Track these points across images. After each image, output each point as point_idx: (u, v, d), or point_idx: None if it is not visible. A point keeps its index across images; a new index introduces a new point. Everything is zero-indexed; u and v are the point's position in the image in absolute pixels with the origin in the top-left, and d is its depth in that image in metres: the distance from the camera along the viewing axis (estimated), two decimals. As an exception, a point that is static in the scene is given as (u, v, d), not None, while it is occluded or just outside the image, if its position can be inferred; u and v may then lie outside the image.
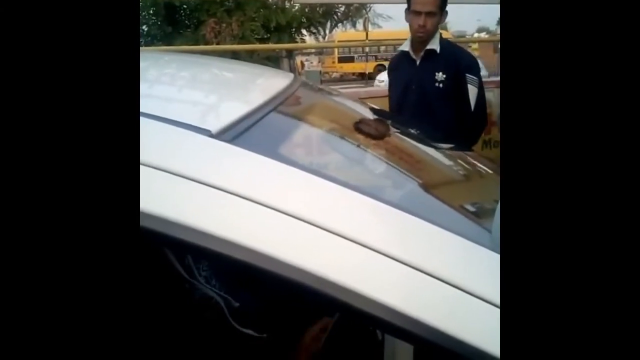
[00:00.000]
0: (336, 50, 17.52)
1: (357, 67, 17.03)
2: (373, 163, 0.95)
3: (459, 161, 1.28)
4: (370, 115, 1.33)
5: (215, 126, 0.60)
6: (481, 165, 1.27)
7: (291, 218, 0.52)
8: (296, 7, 8.50)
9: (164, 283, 0.94)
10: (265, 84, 1.10)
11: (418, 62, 2.07)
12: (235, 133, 0.61)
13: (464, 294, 0.51)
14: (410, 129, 1.46)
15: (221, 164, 0.56)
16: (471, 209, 0.88)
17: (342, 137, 1.02)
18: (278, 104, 0.83)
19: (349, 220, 0.55)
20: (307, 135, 0.90)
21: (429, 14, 1.96)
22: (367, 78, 11.94)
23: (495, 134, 3.11)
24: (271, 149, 0.66)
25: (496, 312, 0.49)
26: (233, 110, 0.70)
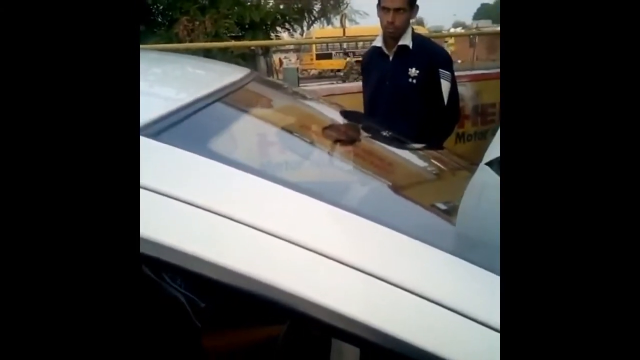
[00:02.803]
0: (314, 47, 17.48)
1: (335, 63, 17.02)
2: (321, 162, 0.91)
3: (431, 160, 1.26)
4: (326, 114, 1.29)
5: None
6: (452, 163, 1.25)
7: (218, 217, 0.49)
8: (270, 4, 8.43)
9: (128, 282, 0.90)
10: (208, 78, 1.05)
11: (391, 58, 2.06)
12: (160, 128, 0.59)
13: (423, 300, 0.49)
14: (373, 127, 1.42)
15: (142, 160, 0.53)
16: (442, 207, 0.86)
17: (289, 135, 0.97)
18: (217, 99, 0.80)
19: (285, 221, 0.53)
20: (248, 132, 0.86)
21: (397, 10, 1.95)
22: (344, 75, 11.97)
23: (468, 127, 3.13)
24: (202, 145, 0.63)
25: (454, 318, 0.48)
26: (164, 104, 0.66)
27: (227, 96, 0.83)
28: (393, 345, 0.48)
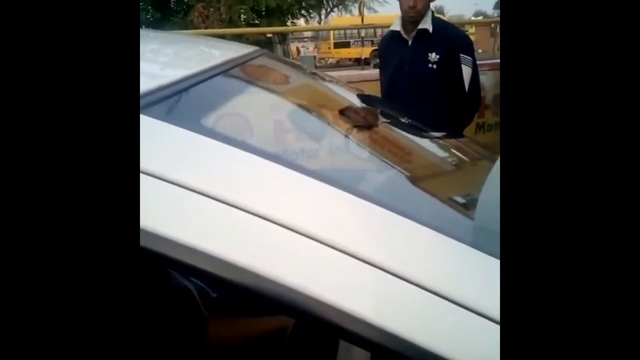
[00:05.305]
0: (332, 35, 17.31)
1: (353, 52, 16.84)
2: (335, 146, 0.86)
3: (451, 150, 1.19)
4: (343, 95, 1.22)
5: None
6: (473, 153, 1.18)
7: (214, 202, 0.45)
8: (287, -10, 8.33)
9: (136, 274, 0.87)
10: (208, 54, 1.00)
11: (410, 43, 1.99)
12: (147, 102, 0.55)
13: (442, 300, 0.45)
14: (391, 113, 1.35)
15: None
16: (460, 200, 0.81)
17: (301, 114, 0.91)
18: (215, 74, 0.75)
19: (290, 209, 0.48)
20: (250, 107, 0.81)
21: None
22: (363, 63, 11.82)
23: (488, 117, 3.03)
24: (193, 121, 0.59)
25: (477, 320, 0.44)
26: (153, 79, 0.62)
27: (229, 70, 0.78)
28: (408, 350, 0.43)
